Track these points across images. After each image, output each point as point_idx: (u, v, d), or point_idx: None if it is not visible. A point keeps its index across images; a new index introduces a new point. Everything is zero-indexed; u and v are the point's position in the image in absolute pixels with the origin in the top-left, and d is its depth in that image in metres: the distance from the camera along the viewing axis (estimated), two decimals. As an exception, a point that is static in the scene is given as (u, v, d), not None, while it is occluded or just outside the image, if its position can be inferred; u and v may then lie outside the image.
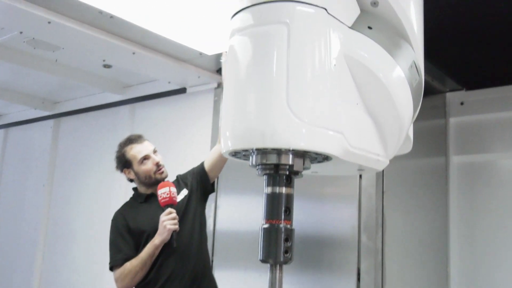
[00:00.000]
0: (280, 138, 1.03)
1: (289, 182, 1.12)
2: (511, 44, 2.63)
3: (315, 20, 1.08)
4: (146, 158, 2.52)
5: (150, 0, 2.42)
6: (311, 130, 1.04)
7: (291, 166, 1.09)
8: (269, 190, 1.12)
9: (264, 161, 1.10)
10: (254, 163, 1.12)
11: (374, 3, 1.23)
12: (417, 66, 1.27)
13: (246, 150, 1.10)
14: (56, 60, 3.42)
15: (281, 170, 1.10)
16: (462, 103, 3.31)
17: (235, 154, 1.14)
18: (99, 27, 2.71)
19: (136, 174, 2.54)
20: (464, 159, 3.27)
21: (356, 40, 1.16)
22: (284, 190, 1.11)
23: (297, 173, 1.11)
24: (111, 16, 2.56)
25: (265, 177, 1.13)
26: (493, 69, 3.00)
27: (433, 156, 3.27)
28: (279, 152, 1.09)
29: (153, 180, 2.51)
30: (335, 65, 1.10)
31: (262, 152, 1.10)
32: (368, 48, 1.17)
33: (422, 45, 1.33)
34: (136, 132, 2.83)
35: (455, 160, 3.29)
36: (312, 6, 1.08)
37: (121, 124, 4.04)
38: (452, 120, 3.33)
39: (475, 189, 3.19)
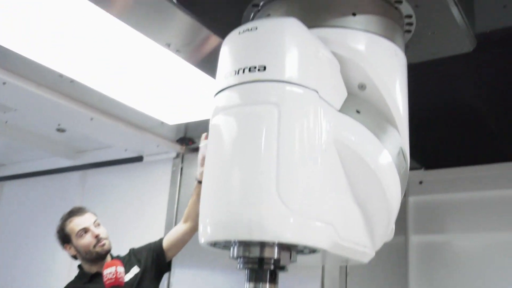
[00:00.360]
0: (268, 230, 0.93)
1: (273, 278, 1.01)
2: (469, 127, 2.68)
3: (307, 103, 1.02)
4: (85, 231, 2.33)
5: (113, 67, 2.34)
6: (302, 222, 0.95)
7: (277, 260, 0.99)
8: (251, 286, 1.01)
9: (247, 254, 0.99)
10: (235, 255, 1.01)
11: (362, 86, 1.19)
12: (404, 153, 1.23)
13: (228, 241, 0.99)
14: (6, 121, 3.23)
15: (265, 265, 0.99)
16: (421, 182, 3.32)
17: (214, 244, 1.02)
18: (58, 90, 2.58)
19: (76, 249, 2.36)
20: (423, 239, 3.24)
21: (346, 124, 1.10)
22: (268, 286, 1.00)
23: (283, 267, 1.01)
24: (72, 81, 2.44)
25: (246, 271, 1.02)
26: (451, 149, 3.05)
27: (393, 235, 3.22)
28: (263, 243, 0.98)
29: (94, 255, 2.32)
30: (325, 150, 1.03)
31: (245, 243, 0.99)
32: (357, 133, 1.11)
33: (407, 130, 1.29)
34: (87, 200, 2.64)
35: (415, 239, 3.25)
36: (303, 87, 1.02)
37: (70, 191, 3.82)
38: (411, 199, 3.32)
39: (434, 268, 3.14)
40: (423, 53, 1.49)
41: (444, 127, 2.73)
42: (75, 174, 3.86)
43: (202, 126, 3.02)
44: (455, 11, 1.31)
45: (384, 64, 1.21)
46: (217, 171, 1.01)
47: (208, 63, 2.21)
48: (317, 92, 1.04)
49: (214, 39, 2.01)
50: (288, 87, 1.01)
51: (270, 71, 1.02)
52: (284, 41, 1.04)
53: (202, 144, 2.05)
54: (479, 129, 2.66)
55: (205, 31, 1.92)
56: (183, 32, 1.97)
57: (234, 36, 1.10)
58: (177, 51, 2.08)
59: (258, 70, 1.02)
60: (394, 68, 1.24)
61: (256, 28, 1.06)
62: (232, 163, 0.99)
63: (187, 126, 3.08)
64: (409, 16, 1.32)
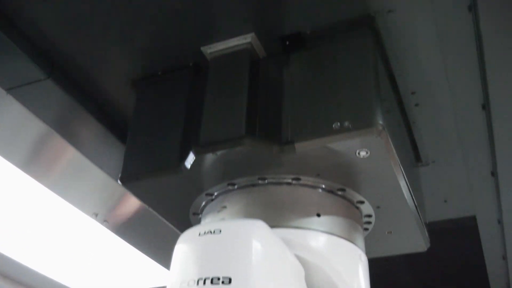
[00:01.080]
0: None
1: None
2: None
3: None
4: None
5: (19, 230, 2.10)
6: None
7: None
8: None
9: None
10: None
11: None
12: None
13: None
14: None
15: None
16: None
17: None
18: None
19: None
20: None
21: None
22: None
23: None
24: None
25: None
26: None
27: None
28: None
29: None
30: None
31: None
32: None
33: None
34: None
35: None
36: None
37: None
38: None
39: None
40: (376, 251, 1.43)
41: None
42: None
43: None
44: (414, 213, 1.27)
45: (350, 270, 1.11)
46: None
47: (132, 233, 2.05)
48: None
49: (145, 212, 1.88)
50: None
51: (235, 285, 0.88)
52: (251, 250, 0.92)
53: None
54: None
55: (140, 206, 1.80)
56: (114, 203, 1.83)
57: (193, 237, 0.97)
58: (105, 221, 1.91)
59: (223, 282, 0.88)
60: (360, 274, 1.14)
61: (220, 231, 0.94)
62: None
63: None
64: (369, 216, 1.27)
